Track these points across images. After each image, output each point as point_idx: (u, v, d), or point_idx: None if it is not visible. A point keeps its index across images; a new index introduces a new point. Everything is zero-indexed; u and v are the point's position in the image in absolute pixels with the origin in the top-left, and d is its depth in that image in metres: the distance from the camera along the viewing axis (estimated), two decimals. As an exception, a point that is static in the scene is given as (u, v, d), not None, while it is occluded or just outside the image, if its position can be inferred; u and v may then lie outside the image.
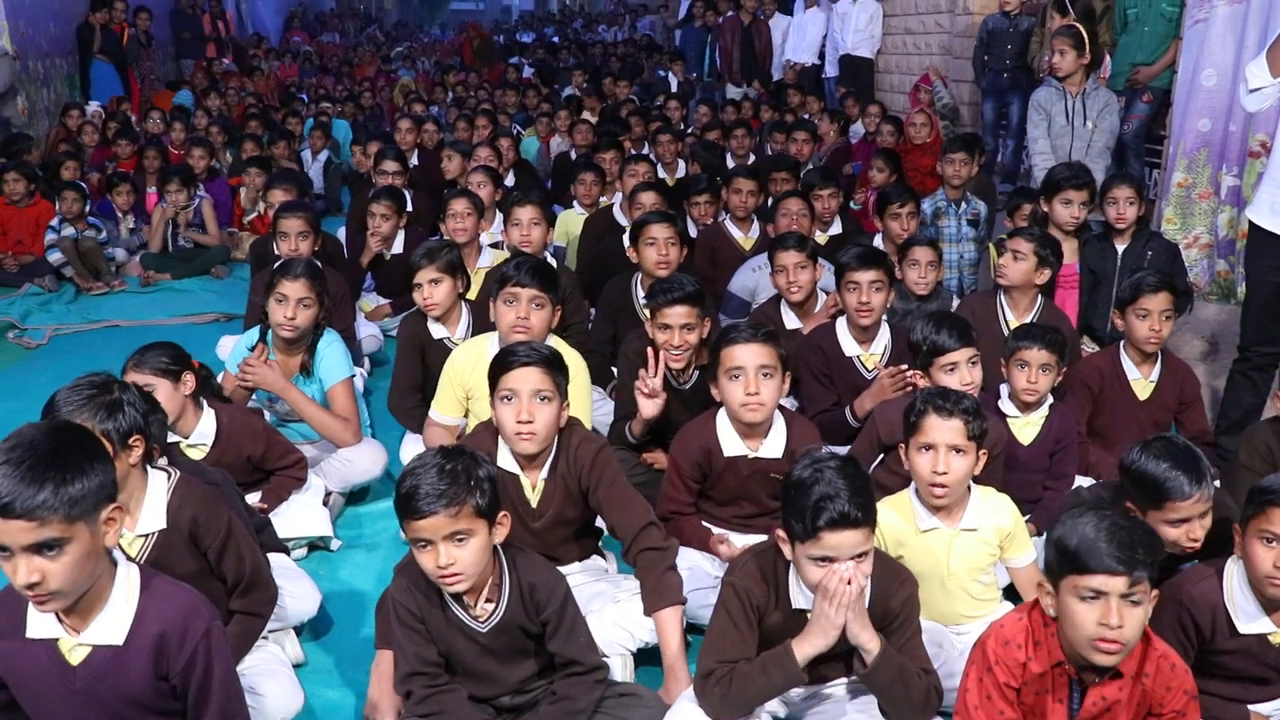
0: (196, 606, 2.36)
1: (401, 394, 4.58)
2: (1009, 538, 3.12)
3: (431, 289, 4.51)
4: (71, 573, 2.11)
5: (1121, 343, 4.31)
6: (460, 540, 2.47)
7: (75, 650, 2.27)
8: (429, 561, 2.48)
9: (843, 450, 3.92)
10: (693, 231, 6.26)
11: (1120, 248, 5.21)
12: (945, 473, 2.97)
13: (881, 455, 3.71)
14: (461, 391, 4.01)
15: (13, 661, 2.29)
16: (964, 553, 3.09)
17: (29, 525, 2.03)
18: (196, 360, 3.73)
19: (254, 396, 4.32)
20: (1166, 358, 4.32)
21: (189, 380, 3.60)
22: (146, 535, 2.84)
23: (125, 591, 2.28)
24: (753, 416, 3.40)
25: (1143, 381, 4.28)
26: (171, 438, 3.50)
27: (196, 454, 3.59)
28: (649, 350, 3.96)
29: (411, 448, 4.41)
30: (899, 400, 3.77)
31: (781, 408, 3.59)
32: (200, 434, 3.66)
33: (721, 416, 3.51)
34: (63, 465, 2.08)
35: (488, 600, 2.63)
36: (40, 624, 2.26)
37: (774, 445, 3.49)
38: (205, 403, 3.72)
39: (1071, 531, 2.35)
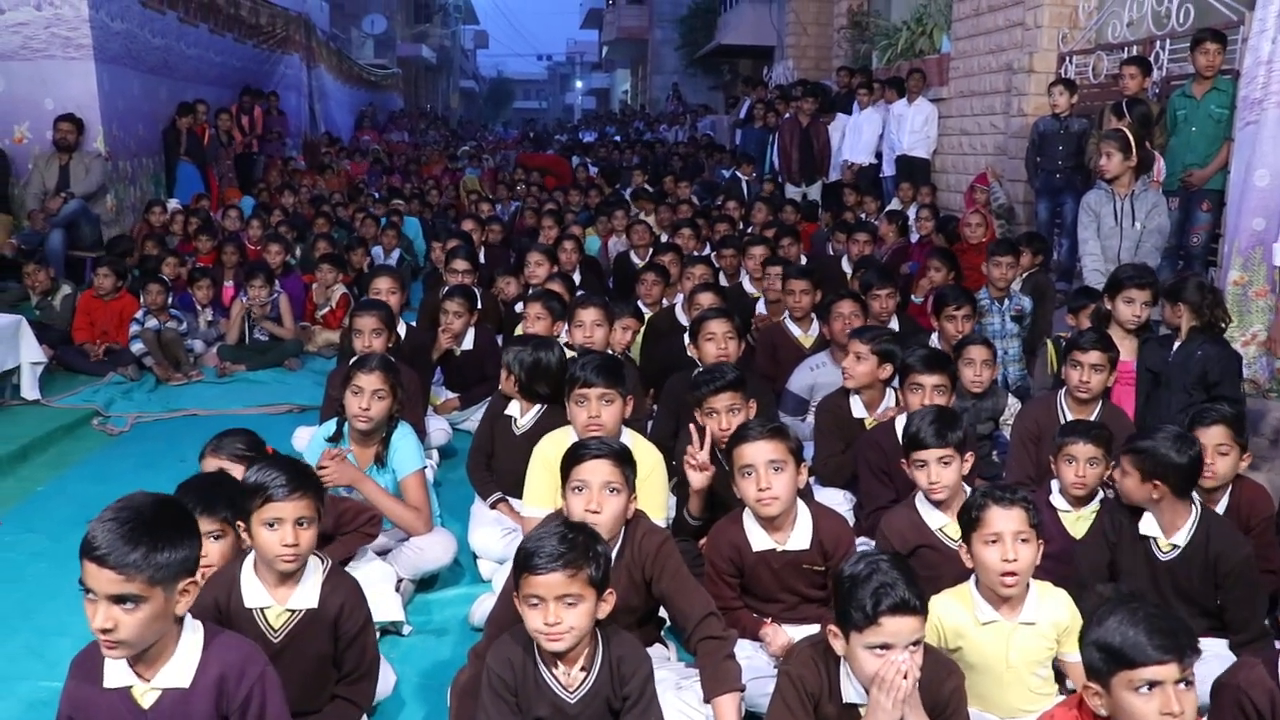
0: (253, 654, 2.61)
1: (473, 453, 4.99)
2: (1066, 632, 3.18)
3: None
4: (139, 629, 2.36)
5: None
6: (570, 603, 2.66)
7: (146, 695, 2.49)
8: (537, 618, 2.66)
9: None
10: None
11: (1174, 345, 5.26)
12: (1015, 560, 3.06)
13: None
14: (554, 480, 4.12)
15: (89, 710, 2.52)
16: (1023, 646, 3.15)
17: (116, 578, 2.31)
18: (270, 447, 3.90)
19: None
20: (1239, 483, 4.13)
21: None
22: (295, 611, 3.05)
23: (191, 642, 2.52)
24: (768, 510, 3.54)
25: None
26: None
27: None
28: (693, 425, 4.13)
29: (481, 533, 4.61)
30: (903, 512, 3.86)
31: (810, 500, 3.72)
32: None
33: (748, 514, 3.65)
34: (157, 534, 2.35)
35: (581, 669, 2.78)
36: (115, 674, 2.50)
37: (801, 537, 3.62)
38: None
39: (1111, 631, 2.43)
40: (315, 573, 3.10)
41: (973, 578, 3.21)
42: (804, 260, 8.35)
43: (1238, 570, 3.57)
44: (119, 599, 2.32)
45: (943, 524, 3.70)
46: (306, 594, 3.07)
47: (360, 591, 3.18)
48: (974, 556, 3.16)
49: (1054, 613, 3.19)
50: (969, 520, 3.17)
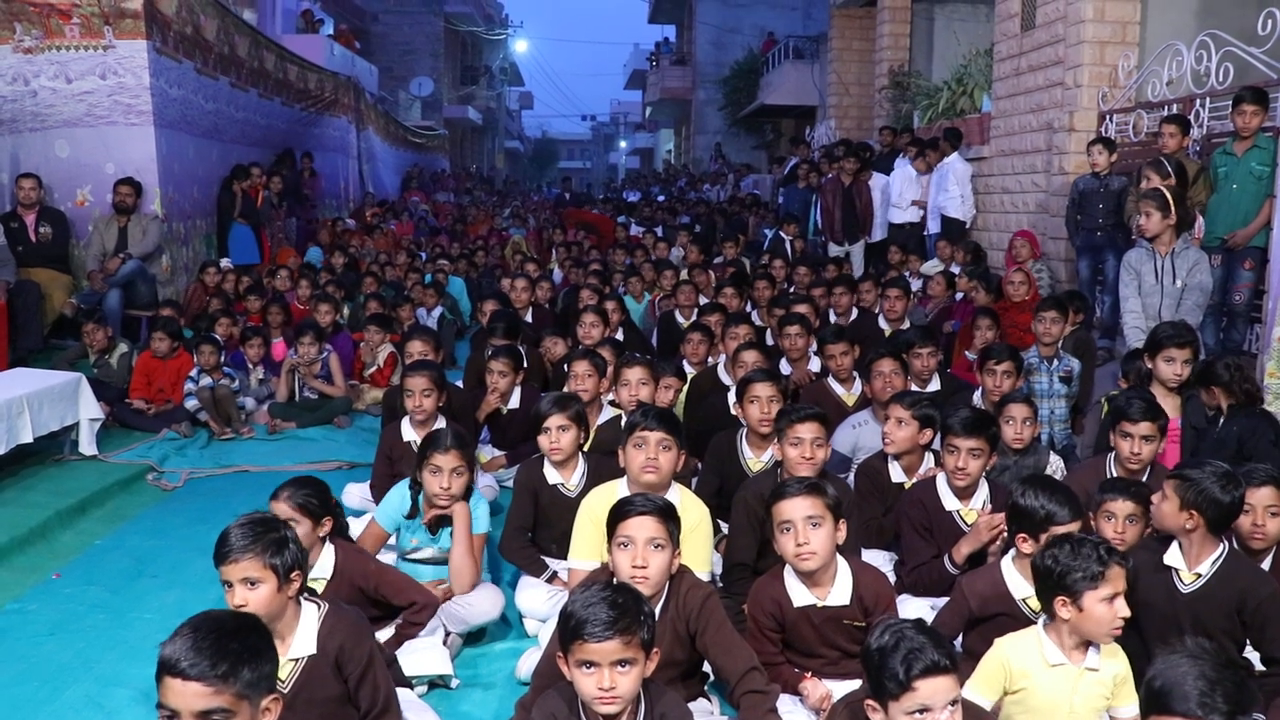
0: None
1: (511, 535, 4.87)
2: (1121, 683, 3.23)
3: (559, 434, 4.78)
4: None
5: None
6: (624, 667, 2.71)
7: None
8: (591, 683, 2.70)
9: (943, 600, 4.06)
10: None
11: (1221, 419, 5.32)
12: (1128, 614, 3.14)
13: (969, 625, 3.79)
14: (601, 534, 4.13)
15: None
16: (1086, 692, 3.20)
17: (205, 691, 2.21)
18: (335, 499, 4.00)
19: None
20: None
21: (327, 524, 3.89)
22: (297, 660, 3.10)
23: None
24: (806, 565, 3.59)
25: None
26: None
27: (315, 587, 3.76)
28: None
29: (528, 594, 4.64)
30: (987, 573, 3.87)
31: (849, 557, 3.76)
32: (320, 569, 3.90)
33: (789, 569, 3.70)
34: (242, 646, 2.29)
35: None
36: None
37: (841, 592, 3.67)
38: (328, 540, 3.98)
39: (1162, 672, 2.47)
40: (311, 619, 3.13)
41: (1040, 622, 3.27)
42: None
43: (1266, 606, 3.59)
44: (206, 715, 2.20)
45: (1026, 595, 3.64)
46: (304, 641, 3.10)
47: (360, 628, 3.19)
48: (1084, 609, 3.15)
49: (1114, 663, 3.24)
50: (1088, 576, 3.16)
